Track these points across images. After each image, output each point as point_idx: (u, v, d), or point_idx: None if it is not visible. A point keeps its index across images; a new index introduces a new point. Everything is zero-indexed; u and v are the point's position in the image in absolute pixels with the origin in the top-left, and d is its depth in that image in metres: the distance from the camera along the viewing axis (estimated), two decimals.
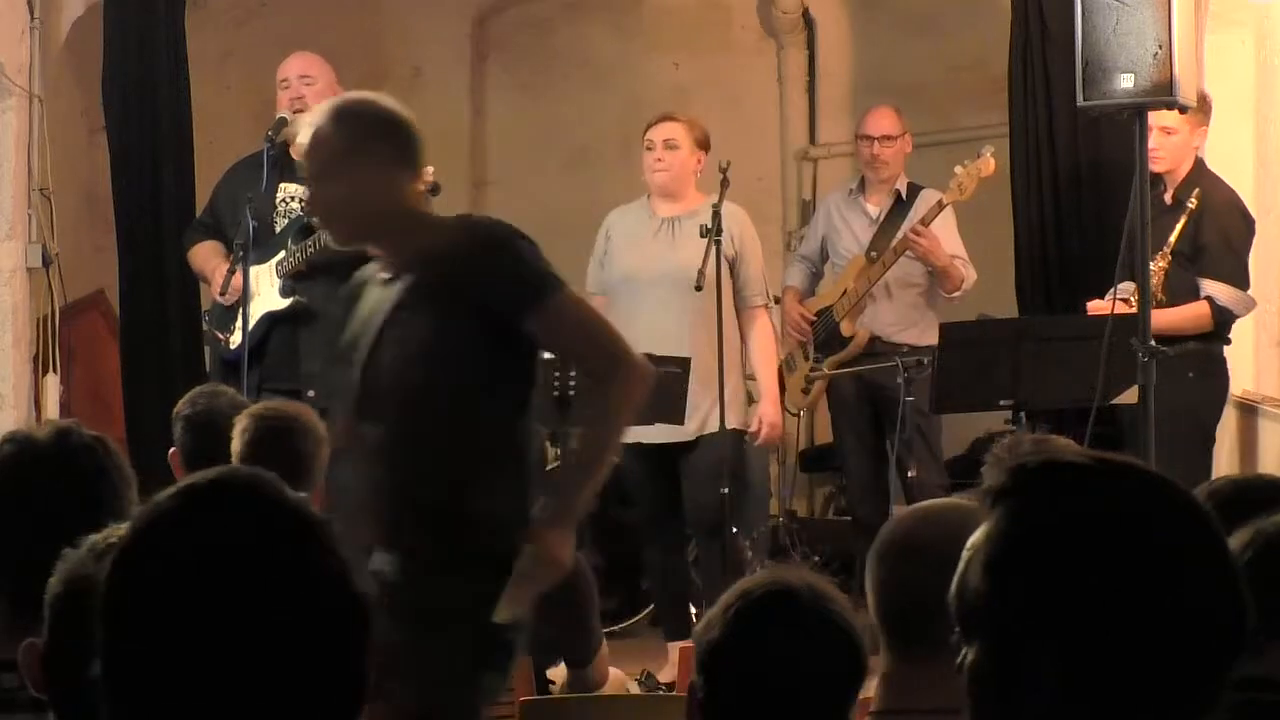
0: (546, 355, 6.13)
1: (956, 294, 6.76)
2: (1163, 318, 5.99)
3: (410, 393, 3.53)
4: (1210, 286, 6.13)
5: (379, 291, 3.65)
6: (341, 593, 1.47)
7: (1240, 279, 6.15)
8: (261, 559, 1.44)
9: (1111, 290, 5.97)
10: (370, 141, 3.61)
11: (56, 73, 7.36)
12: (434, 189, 5.95)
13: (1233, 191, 6.27)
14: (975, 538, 1.60)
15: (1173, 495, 1.59)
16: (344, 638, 1.47)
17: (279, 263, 6.11)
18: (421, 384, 3.52)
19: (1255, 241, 6.33)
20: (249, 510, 1.47)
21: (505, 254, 3.58)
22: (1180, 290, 6.12)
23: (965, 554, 1.61)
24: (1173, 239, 6.07)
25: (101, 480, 2.44)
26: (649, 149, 6.37)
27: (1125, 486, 1.59)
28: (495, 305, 3.53)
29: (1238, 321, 6.38)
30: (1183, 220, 6.07)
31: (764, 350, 6.35)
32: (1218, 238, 6.15)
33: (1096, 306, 5.96)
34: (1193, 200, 6.08)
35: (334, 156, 3.59)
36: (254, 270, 6.02)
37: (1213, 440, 6.25)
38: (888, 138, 6.92)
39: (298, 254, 6.07)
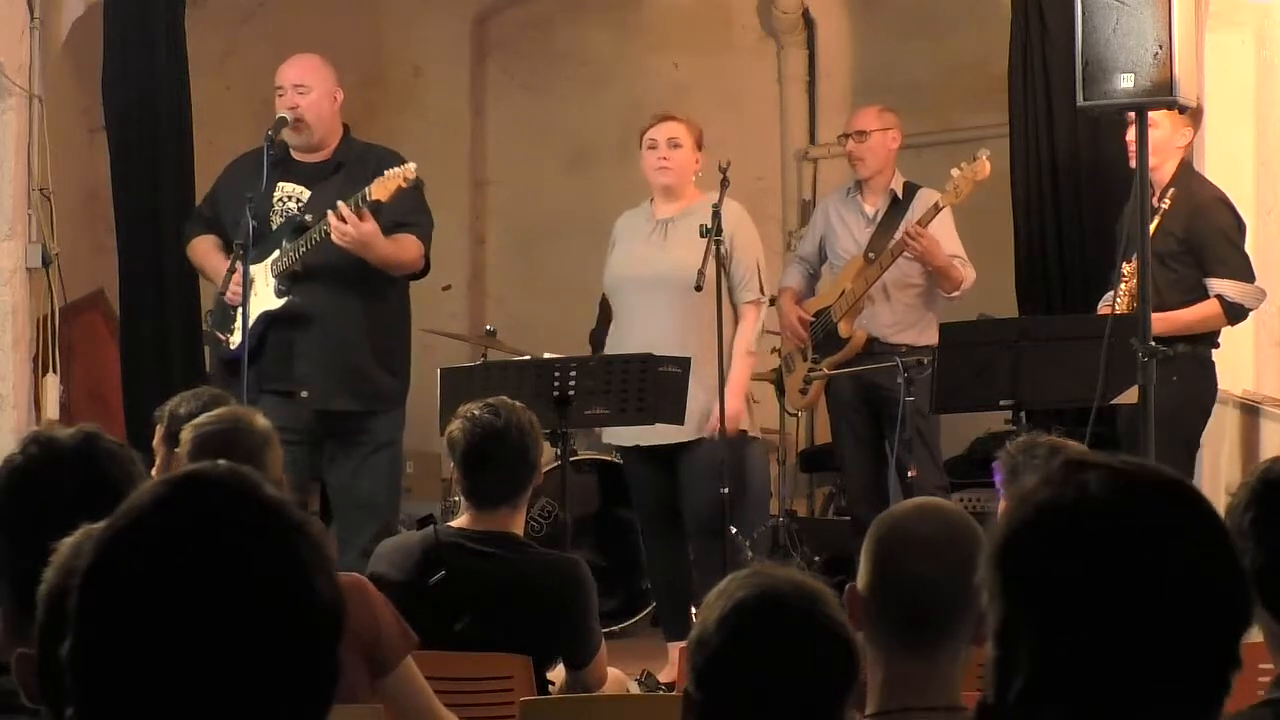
0: (547, 355, 6.19)
1: (956, 294, 6.75)
2: (1174, 320, 5.99)
3: None
4: (1218, 285, 6.13)
5: None
6: (317, 590, 1.47)
7: (1246, 272, 6.15)
8: (237, 555, 1.45)
9: (1112, 292, 5.99)
10: None
11: (56, 73, 7.36)
12: (417, 185, 5.98)
13: (1219, 190, 6.28)
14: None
15: (1178, 493, 1.61)
16: (317, 635, 1.47)
17: (274, 262, 6.11)
18: None
19: (1255, 242, 6.33)
20: (226, 506, 1.48)
21: None
22: (1167, 290, 6.10)
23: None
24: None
25: (129, 487, 2.42)
26: (651, 148, 6.35)
27: (1123, 482, 1.60)
28: None
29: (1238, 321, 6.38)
30: (1155, 222, 6.07)
31: (741, 340, 6.31)
32: (1215, 235, 6.15)
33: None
34: (1165, 200, 6.07)
35: None
36: (251, 269, 6.02)
37: (1197, 445, 6.22)
38: (860, 133, 6.93)
39: (290, 254, 6.07)
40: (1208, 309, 6.13)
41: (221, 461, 1.54)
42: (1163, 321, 5.79)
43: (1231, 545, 1.60)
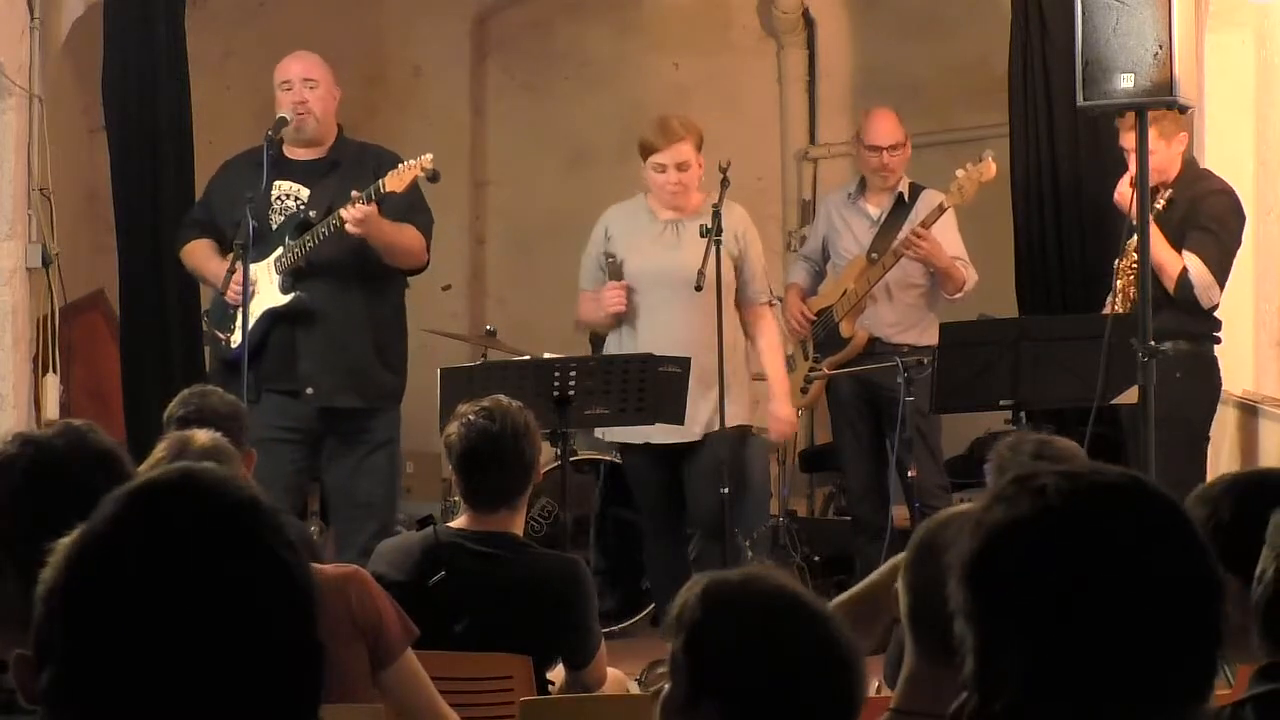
0: (547, 355, 6.18)
1: (959, 295, 6.75)
2: (1160, 246, 5.98)
3: None
4: (1189, 257, 6.14)
5: None
6: (296, 589, 1.47)
7: (1216, 266, 6.14)
8: (216, 555, 1.44)
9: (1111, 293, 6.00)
10: None
11: (56, 73, 7.36)
12: (434, 176, 5.96)
13: (1225, 183, 6.28)
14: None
15: (1132, 489, 1.62)
16: (298, 634, 1.47)
17: (277, 259, 6.11)
18: None
19: (1255, 241, 6.33)
20: (204, 506, 1.47)
21: None
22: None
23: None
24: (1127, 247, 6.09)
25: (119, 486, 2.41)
26: (659, 171, 6.25)
27: (1079, 485, 1.62)
28: None
29: (1237, 322, 6.39)
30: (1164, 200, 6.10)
31: (772, 347, 6.31)
32: (1199, 220, 6.17)
33: None
34: (1160, 202, 6.08)
35: None
36: (253, 268, 6.01)
37: (1205, 440, 6.23)
38: (896, 146, 6.89)
39: (296, 250, 6.06)
40: (1176, 262, 6.11)
41: (208, 464, 1.54)
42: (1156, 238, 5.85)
43: (1192, 528, 1.62)
